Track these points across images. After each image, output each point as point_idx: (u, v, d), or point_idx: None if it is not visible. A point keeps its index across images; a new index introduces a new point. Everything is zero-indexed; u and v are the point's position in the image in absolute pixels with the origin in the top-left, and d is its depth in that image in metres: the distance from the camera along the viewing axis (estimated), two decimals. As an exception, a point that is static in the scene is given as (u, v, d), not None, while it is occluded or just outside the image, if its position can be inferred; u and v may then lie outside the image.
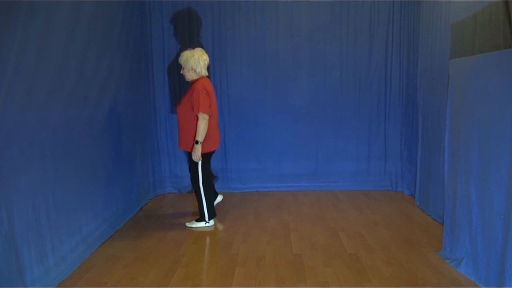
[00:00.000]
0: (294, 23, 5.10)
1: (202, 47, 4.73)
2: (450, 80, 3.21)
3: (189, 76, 3.83)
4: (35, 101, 2.62)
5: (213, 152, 3.97)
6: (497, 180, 2.51)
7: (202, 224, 3.99)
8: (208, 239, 3.73)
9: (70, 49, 3.04)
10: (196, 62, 3.75)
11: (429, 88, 4.16)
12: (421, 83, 4.37)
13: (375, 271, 2.99)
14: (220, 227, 4.03)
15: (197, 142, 3.72)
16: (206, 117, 3.70)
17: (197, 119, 3.70)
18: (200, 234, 3.83)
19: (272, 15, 5.08)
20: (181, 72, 3.89)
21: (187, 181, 5.32)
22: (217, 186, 5.26)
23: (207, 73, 3.86)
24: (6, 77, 2.30)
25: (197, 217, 4.07)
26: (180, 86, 5.17)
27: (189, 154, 3.88)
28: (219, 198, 4.34)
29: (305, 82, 5.18)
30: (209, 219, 4.01)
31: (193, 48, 3.87)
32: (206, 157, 3.89)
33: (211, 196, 4.01)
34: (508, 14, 2.60)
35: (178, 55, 5.09)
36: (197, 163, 3.85)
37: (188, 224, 4.02)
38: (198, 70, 3.77)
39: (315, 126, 5.22)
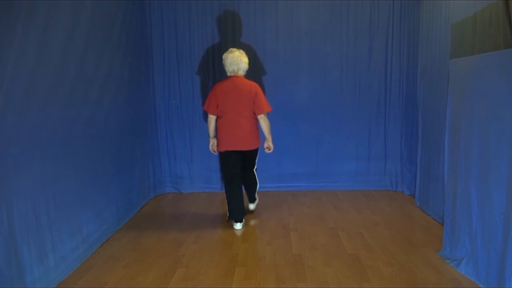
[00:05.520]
0: (294, 23, 5.10)
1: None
2: (450, 80, 3.21)
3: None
4: (35, 101, 2.62)
5: (230, 152, 3.83)
6: (497, 180, 2.51)
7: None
8: (208, 239, 3.72)
9: (70, 49, 3.04)
10: (224, 61, 3.87)
11: (429, 88, 4.16)
12: (421, 83, 4.37)
13: (375, 271, 2.99)
14: (221, 226, 4.04)
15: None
16: (210, 115, 3.89)
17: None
18: (200, 234, 3.82)
19: (272, 15, 5.08)
20: None
21: (187, 181, 5.34)
22: (217, 185, 5.30)
23: (237, 73, 3.84)
24: (6, 77, 2.30)
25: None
26: (180, 86, 5.18)
27: None
28: (238, 226, 3.93)
29: (305, 82, 5.18)
30: (229, 218, 4.02)
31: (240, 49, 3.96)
32: (220, 155, 3.98)
33: (230, 196, 3.92)
34: (508, 14, 2.60)
35: (177, 55, 5.17)
36: None
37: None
38: (226, 69, 3.86)
39: (315, 126, 5.22)
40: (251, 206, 4.38)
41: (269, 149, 3.97)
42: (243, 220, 3.96)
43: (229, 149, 3.83)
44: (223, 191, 5.12)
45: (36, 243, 2.63)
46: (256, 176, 4.21)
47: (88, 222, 3.34)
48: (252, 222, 4.14)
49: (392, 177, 5.24)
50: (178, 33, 5.09)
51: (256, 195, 4.34)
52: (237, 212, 3.92)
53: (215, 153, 4.10)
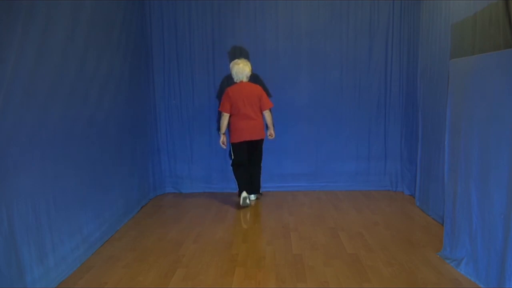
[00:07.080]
0: (294, 23, 5.10)
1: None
2: (450, 80, 3.21)
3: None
4: (35, 101, 2.62)
5: (243, 142, 4.64)
6: (497, 180, 2.51)
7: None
8: (208, 239, 3.72)
9: (70, 49, 3.04)
10: (231, 70, 4.68)
11: (429, 88, 4.16)
12: (421, 83, 4.37)
13: (375, 271, 2.99)
14: (221, 226, 4.04)
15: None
16: (224, 114, 4.63)
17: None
18: (200, 234, 3.83)
19: (272, 15, 5.08)
20: None
21: (187, 181, 5.34)
22: (217, 185, 5.30)
23: (243, 79, 4.62)
24: (6, 77, 2.30)
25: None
26: (180, 86, 5.18)
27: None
28: (252, 197, 4.91)
29: (305, 82, 5.18)
30: (240, 193, 4.73)
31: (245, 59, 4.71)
32: (235, 146, 4.70)
33: (240, 176, 4.73)
34: (508, 14, 2.60)
35: (177, 55, 5.17)
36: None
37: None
38: (233, 76, 4.67)
39: (315, 126, 5.22)
40: (252, 197, 4.91)
41: (271, 136, 4.84)
42: (252, 193, 4.86)
43: (243, 139, 4.63)
44: (223, 191, 5.20)
45: (36, 243, 2.63)
46: (260, 173, 4.91)
47: (88, 222, 3.34)
48: (252, 222, 4.14)
49: (392, 177, 5.24)
50: (178, 33, 5.09)
51: (259, 188, 4.95)
52: (247, 187, 4.74)
53: (225, 147, 4.79)
